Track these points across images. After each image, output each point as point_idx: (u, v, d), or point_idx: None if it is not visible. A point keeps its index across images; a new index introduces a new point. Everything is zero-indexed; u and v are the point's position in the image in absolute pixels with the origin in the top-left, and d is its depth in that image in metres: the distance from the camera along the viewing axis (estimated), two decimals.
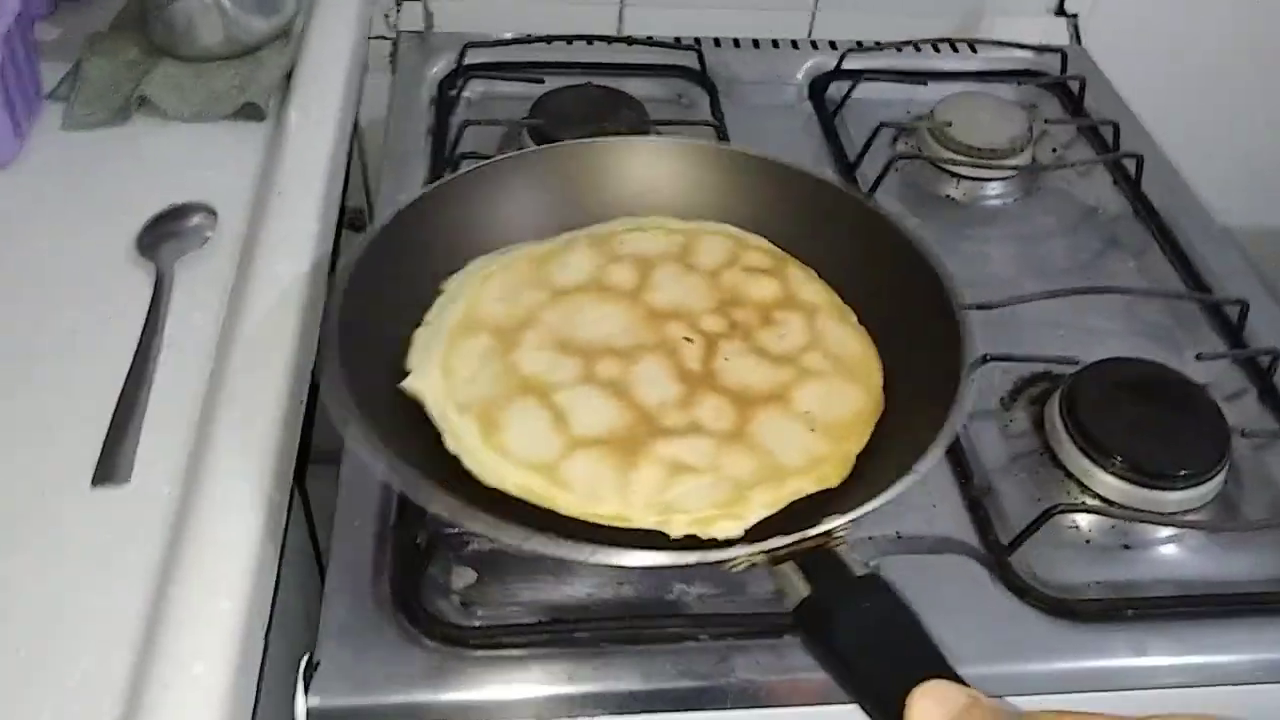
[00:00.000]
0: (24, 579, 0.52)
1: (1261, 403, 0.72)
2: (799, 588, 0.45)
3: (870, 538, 0.62)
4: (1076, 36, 1.07)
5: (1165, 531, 0.64)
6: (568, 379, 0.56)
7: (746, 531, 0.50)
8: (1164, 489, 0.64)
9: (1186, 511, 0.65)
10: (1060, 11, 1.07)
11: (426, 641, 0.53)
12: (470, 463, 0.52)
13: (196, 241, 0.70)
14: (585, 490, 0.51)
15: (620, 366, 0.57)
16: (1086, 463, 0.65)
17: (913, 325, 0.59)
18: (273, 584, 0.53)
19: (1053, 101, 1.00)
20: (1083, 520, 0.64)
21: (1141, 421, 0.66)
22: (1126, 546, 0.64)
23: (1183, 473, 0.64)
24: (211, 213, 0.72)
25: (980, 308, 0.72)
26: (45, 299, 0.66)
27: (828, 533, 0.46)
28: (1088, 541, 0.64)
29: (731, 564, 0.47)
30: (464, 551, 0.59)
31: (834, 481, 0.53)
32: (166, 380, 0.61)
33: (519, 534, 0.46)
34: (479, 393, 0.56)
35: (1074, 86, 0.98)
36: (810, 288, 0.64)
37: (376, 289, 0.58)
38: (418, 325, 0.60)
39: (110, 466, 0.56)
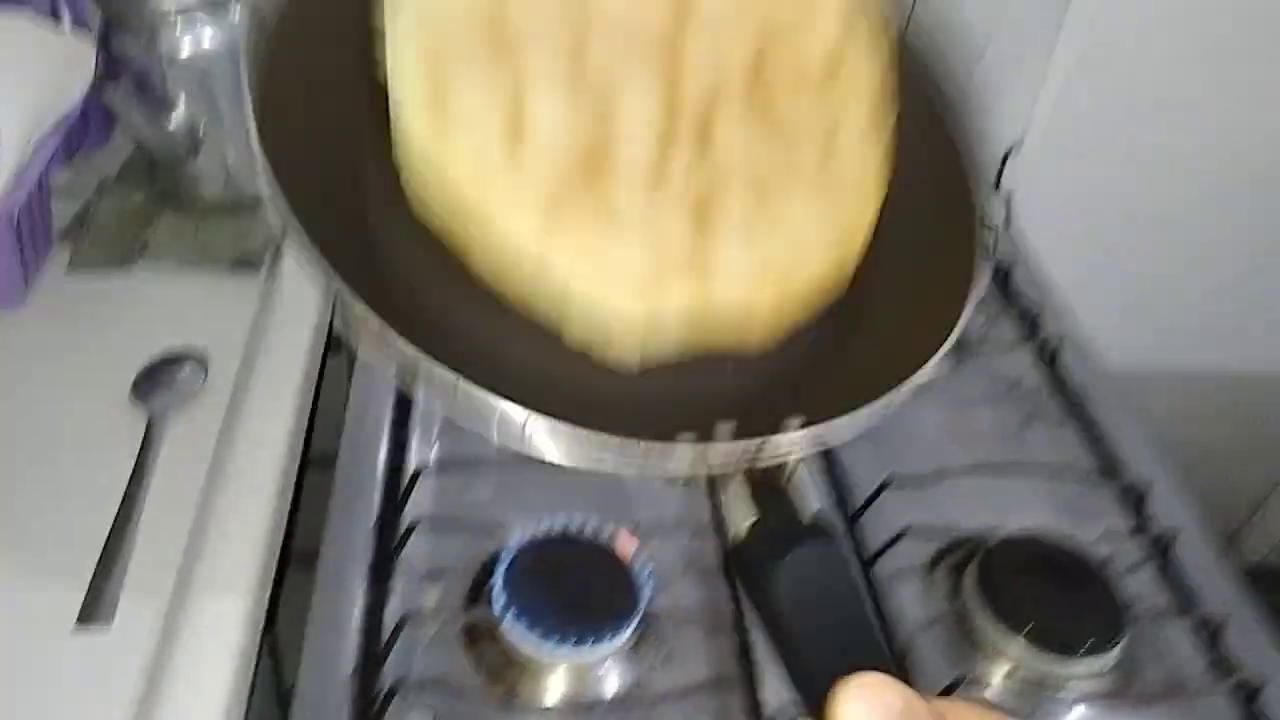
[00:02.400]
0: None
1: (1161, 575, 0.79)
2: (745, 513, 0.41)
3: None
4: (1008, 217, 1.17)
5: (1068, 696, 0.70)
6: (549, 66, 0.43)
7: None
8: (1067, 656, 0.70)
9: (1090, 677, 0.71)
10: (995, 185, 1.17)
11: None
12: (410, 171, 0.43)
13: (189, 390, 0.76)
14: (511, 185, 0.41)
15: (612, 70, 0.44)
16: (997, 630, 0.71)
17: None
18: None
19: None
20: (993, 684, 0.70)
21: (1047, 594, 0.73)
22: (1030, 714, 0.69)
23: (1085, 643, 0.71)
24: (203, 362, 0.78)
25: (906, 484, 0.79)
26: (40, 442, 0.71)
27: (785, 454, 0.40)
28: (998, 703, 0.69)
29: (677, 469, 0.39)
30: (421, 698, 0.63)
31: (752, 349, 0.44)
32: (152, 527, 0.66)
33: (447, 377, 0.37)
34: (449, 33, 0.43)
35: (1004, 267, 1.07)
36: (866, 68, 0.48)
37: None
38: None
39: (94, 609, 0.61)
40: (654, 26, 0.45)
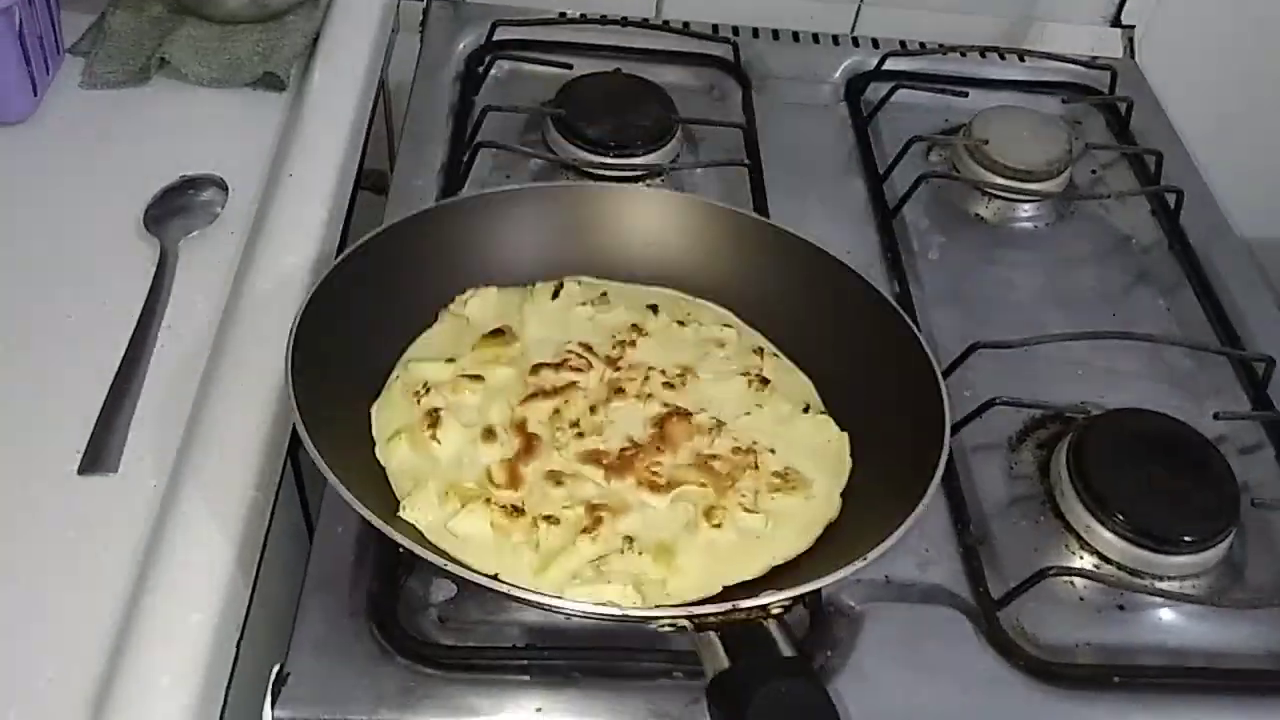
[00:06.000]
0: (1, 571, 0.52)
1: (1279, 464, 0.70)
2: (719, 659, 0.44)
3: (858, 581, 0.61)
4: (1131, 50, 1.03)
5: (1162, 595, 0.62)
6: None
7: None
8: (1165, 552, 0.63)
9: (1187, 576, 0.63)
10: (1116, 22, 1.03)
11: (399, 659, 0.53)
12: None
13: (205, 218, 0.69)
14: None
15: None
16: (1088, 517, 0.64)
17: (895, 395, 0.61)
18: (249, 592, 0.53)
19: (1099, 120, 0.96)
20: (1077, 580, 0.63)
21: (1150, 479, 0.65)
22: (1121, 608, 0.62)
23: (1186, 538, 0.63)
24: (222, 187, 0.71)
25: (996, 346, 0.70)
26: (46, 272, 0.65)
27: (763, 608, 0.46)
28: (1081, 599, 0.62)
29: (656, 624, 0.47)
30: None
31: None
32: (163, 366, 0.61)
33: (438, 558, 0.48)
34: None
35: (1121, 107, 0.94)
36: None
37: (351, 304, 0.59)
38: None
39: (98, 455, 0.56)
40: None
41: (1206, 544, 0.63)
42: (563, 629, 0.57)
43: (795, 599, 0.48)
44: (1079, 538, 0.64)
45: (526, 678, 0.54)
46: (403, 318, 0.63)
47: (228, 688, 0.51)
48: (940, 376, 0.59)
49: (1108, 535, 0.63)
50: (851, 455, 0.61)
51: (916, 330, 0.62)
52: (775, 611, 0.47)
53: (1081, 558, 0.64)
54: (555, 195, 0.70)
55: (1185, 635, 0.61)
